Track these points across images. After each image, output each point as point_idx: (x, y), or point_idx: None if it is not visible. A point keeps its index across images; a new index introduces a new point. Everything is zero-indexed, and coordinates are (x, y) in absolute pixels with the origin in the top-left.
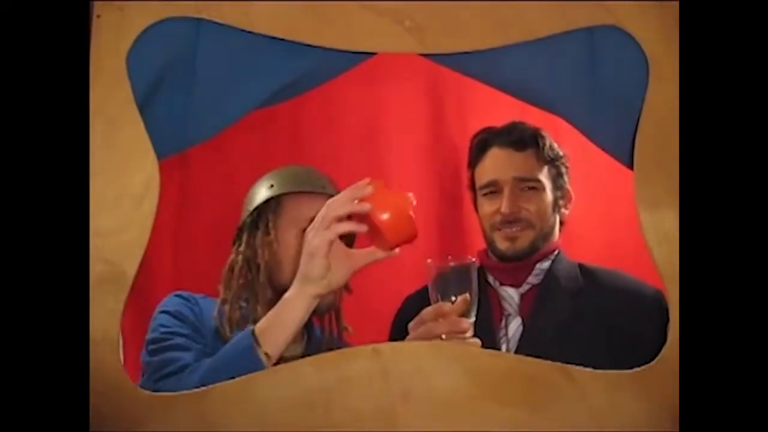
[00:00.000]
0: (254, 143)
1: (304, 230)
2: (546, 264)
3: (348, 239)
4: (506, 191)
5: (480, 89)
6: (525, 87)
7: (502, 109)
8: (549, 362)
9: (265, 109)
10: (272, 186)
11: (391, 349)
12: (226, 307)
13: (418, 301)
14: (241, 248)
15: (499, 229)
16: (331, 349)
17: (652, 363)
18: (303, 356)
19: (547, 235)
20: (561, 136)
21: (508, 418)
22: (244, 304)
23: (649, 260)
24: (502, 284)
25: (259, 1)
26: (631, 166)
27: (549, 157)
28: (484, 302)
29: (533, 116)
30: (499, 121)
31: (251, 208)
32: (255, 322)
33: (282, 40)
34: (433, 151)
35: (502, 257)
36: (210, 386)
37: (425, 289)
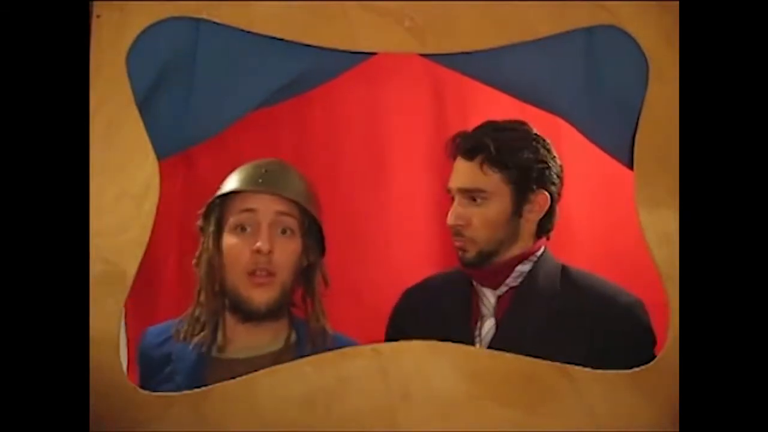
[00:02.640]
0: (259, 142)
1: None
2: (527, 267)
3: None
4: (454, 203)
5: (481, 88)
6: (525, 87)
7: (503, 108)
8: (549, 362)
9: (265, 109)
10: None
11: (391, 349)
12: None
13: (416, 294)
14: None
15: (454, 238)
16: (315, 341)
17: (651, 363)
18: (287, 350)
19: (503, 244)
20: (561, 136)
21: (507, 418)
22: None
23: (649, 260)
24: (482, 286)
25: (259, 1)
26: (631, 166)
27: (504, 162)
28: (467, 304)
29: (533, 116)
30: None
31: (208, 207)
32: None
33: (282, 40)
34: (436, 151)
35: (462, 264)
36: (210, 386)
37: (426, 281)
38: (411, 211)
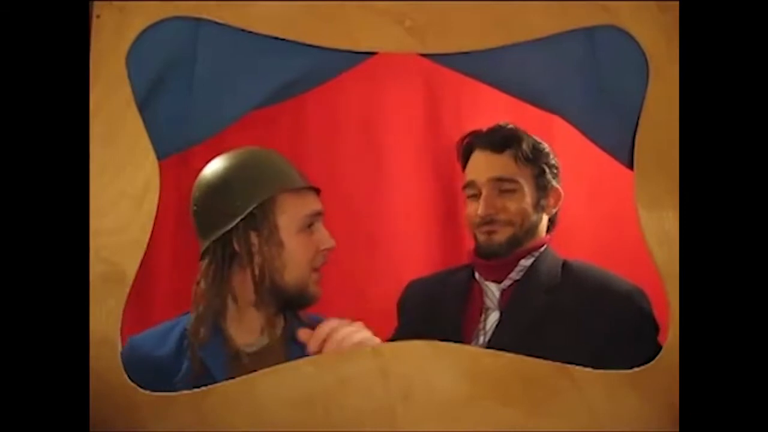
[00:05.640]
0: (259, 142)
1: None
2: (529, 261)
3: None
4: (484, 193)
5: (480, 89)
6: (525, 87)
7: (501, 109)
8: (549, 362)
9: (265, 108)
10: (264, 180)
11: (391, 349)
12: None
13: (421, 286)
14: (229, 251)
15: (479, 228)
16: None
17: (651, 363)
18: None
19: (528, 233)
20: (561, 136)
21: (508, 418)
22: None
23: (649, 260)
24: (486, 280)
25: (258, 1)
26: (631, 166)
27: (529, 156)
28: (468, 298)
29: (533, 116)
30: (499, 121)
31: (248, 203)
32: (224, 330)
33: (282, 40)
34: (433, 151)
35: (483, 253)
36: (210, 386)
37: (431, 275)
38: (410, 210)
